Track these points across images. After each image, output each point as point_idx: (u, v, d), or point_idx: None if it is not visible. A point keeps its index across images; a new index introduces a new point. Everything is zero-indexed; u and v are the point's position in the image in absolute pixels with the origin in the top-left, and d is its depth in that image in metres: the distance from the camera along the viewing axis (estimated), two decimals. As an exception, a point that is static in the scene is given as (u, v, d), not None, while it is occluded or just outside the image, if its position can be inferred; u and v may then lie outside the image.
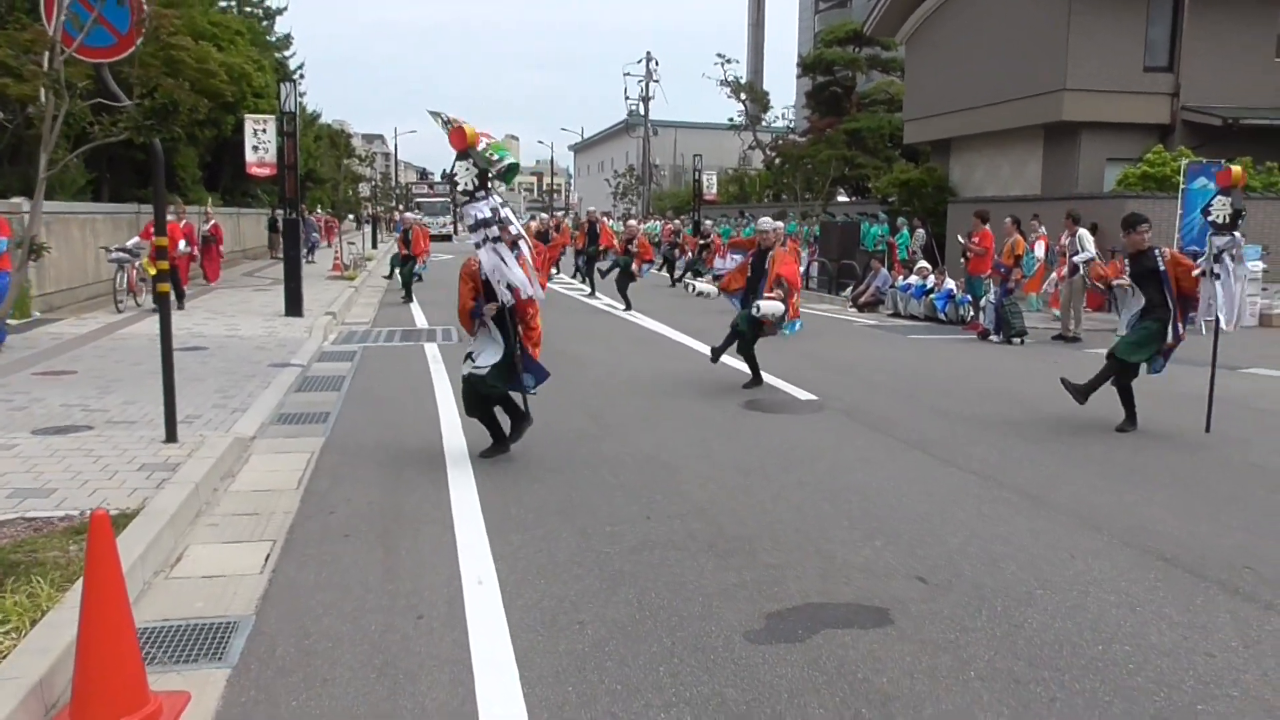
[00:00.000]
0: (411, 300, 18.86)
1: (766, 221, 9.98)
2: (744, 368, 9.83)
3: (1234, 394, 9.42)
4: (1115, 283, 8.40)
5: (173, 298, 14.88)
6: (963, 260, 15.59)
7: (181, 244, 15.80)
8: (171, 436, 6.70)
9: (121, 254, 15.26)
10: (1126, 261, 8.41)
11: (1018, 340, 14.00)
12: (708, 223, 29.40)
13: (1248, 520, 5.65)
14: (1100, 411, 8.81)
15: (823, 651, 3.90)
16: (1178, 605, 4.40)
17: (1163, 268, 7.95)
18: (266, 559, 4.85)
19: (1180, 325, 7.97)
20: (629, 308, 17.61)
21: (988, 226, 15.13)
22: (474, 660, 3.79)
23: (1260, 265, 16.24)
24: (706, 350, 12.48)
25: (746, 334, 9.57)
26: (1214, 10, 20.94)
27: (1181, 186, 16.51)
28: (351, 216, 52.26)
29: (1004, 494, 6.16)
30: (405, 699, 3.50)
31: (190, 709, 3.40)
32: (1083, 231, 14.78)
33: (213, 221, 20.75)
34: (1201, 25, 20.95)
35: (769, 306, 9.20)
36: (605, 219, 26.42)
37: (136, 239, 15.73)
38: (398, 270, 20.61)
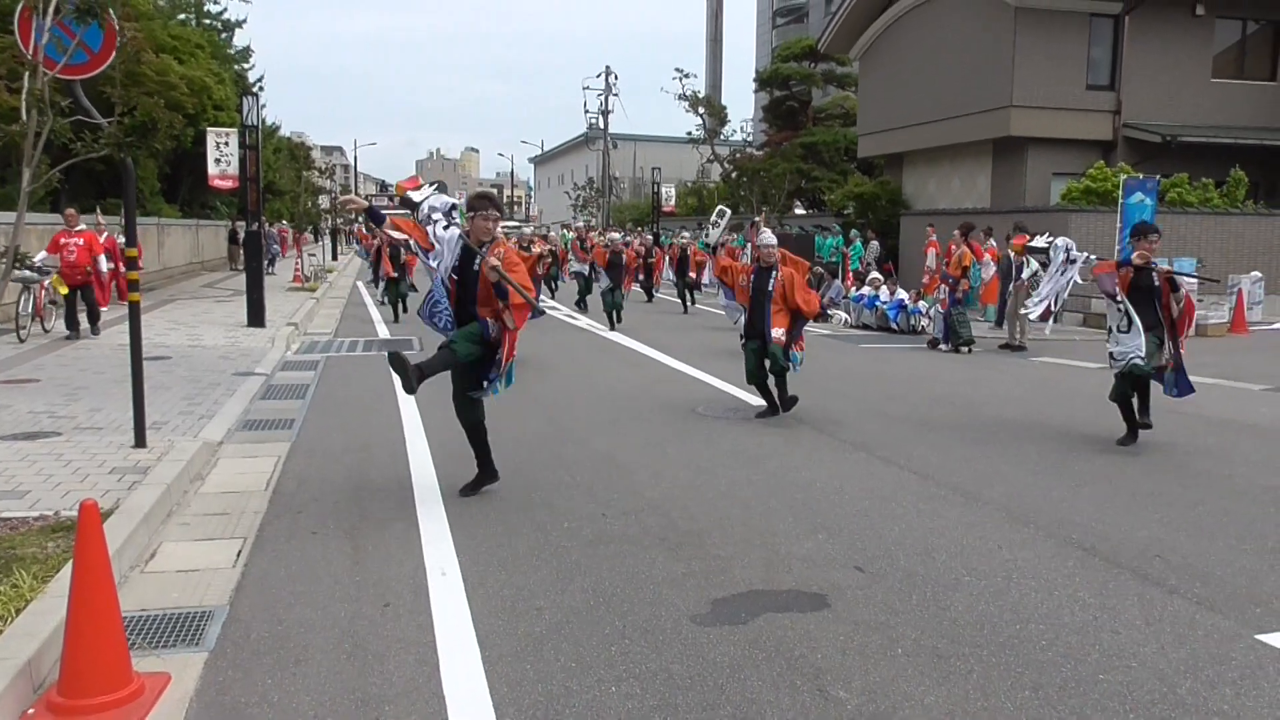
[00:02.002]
0: (399, 320, 17.59)
1: (768, 236, 9.24)
2: (712, 383, 10.04)
3: (1165, 400, 9.86)
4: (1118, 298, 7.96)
5: (86, 323, 13.31)
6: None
7: (102, 258, 14.11)
8: (140, 441, 6.88)
9: (27, 272, 12.59)
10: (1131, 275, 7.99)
11: (965, 349, 14.47)
12: (686, 234, 26.87)
13: (1163, 515, 6.04)
14: (1037, 415, 9.24)
15: (763, 632, 4.21)
16: (1091, 590, 4.76)
17: (1157, 283, 7.91)
18: (238, 554, 5.08)
19: (1174, 345, 7.92)
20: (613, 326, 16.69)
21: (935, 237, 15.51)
22: (438, 643, 4.05)
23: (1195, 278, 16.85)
24: (665, 359, 12.83)
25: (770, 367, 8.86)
26: (1153, 32, 21.74)
27: (1120, 201, 17.12)
28: (310, 229, 52.08)
29: (941, 491, 6.52)
30: (374, 676, 3.76)
31: (171, 688, 3.63)
32: (1026, 244, 15.26)
33: None
34: (1141, 46, 21.75)
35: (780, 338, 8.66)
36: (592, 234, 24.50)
37: (44, 254, 13.67)
38: (386, 293, 18.85)
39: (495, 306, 5.88)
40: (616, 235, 19.93)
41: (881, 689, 3.71)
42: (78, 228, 13.96)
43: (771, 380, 8.90)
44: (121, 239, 16.67)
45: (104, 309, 16.16)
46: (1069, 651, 4.05)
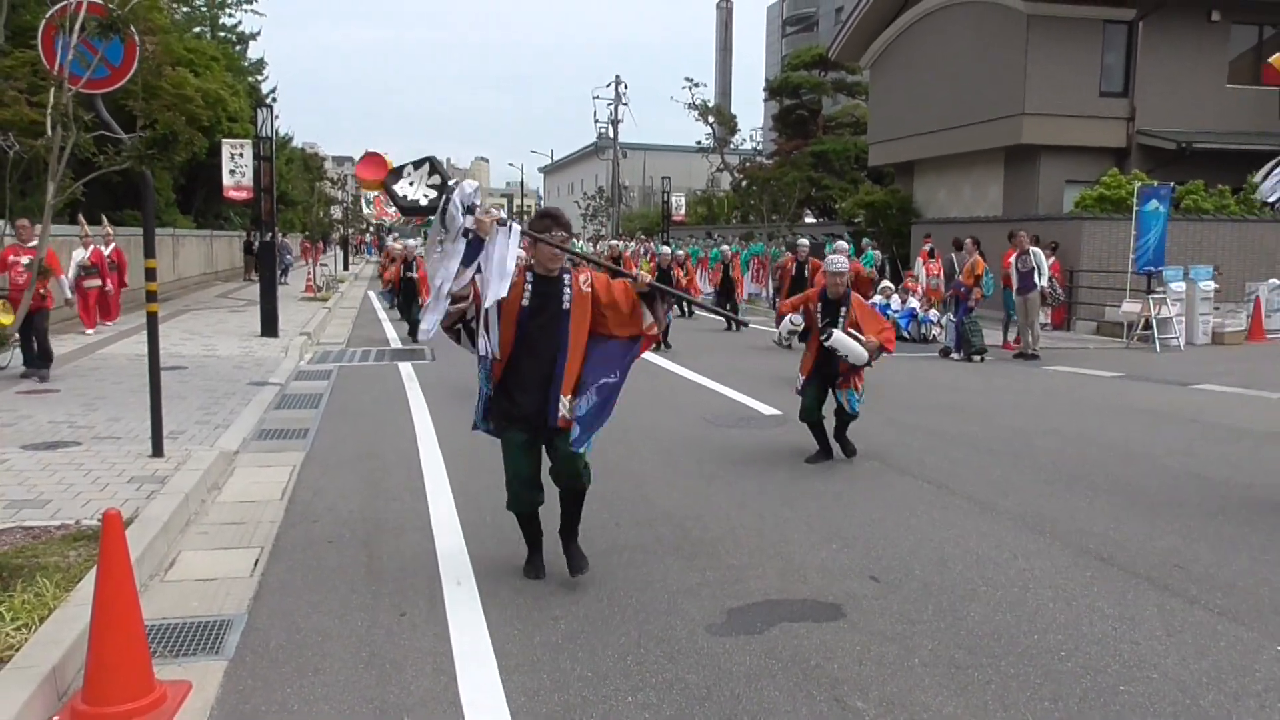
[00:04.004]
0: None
1: (840, 261, 7.57)
2: (725, 393, 9.95)
3: (1182, 408, 9.87)
4: None
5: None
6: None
7: (56, 282, 11.90)
8: (158, 451, 6.94)
9: None
10: None
11: (977, 358, 14.42)
12: (726, 247, 24.00)
13: (1181, 525, 6.00)
14: (1051, 424, 9.20)
15: (779, 642, 4.21)
16: (1110, 600, 4.74)
17: None
18: (255, 563, 5.12)
19: None
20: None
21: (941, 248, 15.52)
22: (455, 652, 4.07)
23: (1212, 285, 16.79)
24: (676, 368, 12.83)
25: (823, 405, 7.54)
26: (1166, 37, 21.65)
27: (1135, 209, 17.06)
28: (321, 239, 52.20)
29: (955, 500, 6.51)
30: (392, 685, 3.78)
31: (192, 696, 3.66)
32: (1036, 250, 15.15)
33: (114, 245, 16.17)
34: (1155, 52, 21.66)
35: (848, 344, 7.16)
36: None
37: None
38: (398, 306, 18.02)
39: (580, 355, 4.76)
40: (667, 249, 17.61)
41: (899, 699, 3.71)
42: (31, 243, 10.93)
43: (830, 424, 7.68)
44: (106, 250, 15.76)
45: (91, 331, 15.09)
46: (1088, 662, 4.04)
